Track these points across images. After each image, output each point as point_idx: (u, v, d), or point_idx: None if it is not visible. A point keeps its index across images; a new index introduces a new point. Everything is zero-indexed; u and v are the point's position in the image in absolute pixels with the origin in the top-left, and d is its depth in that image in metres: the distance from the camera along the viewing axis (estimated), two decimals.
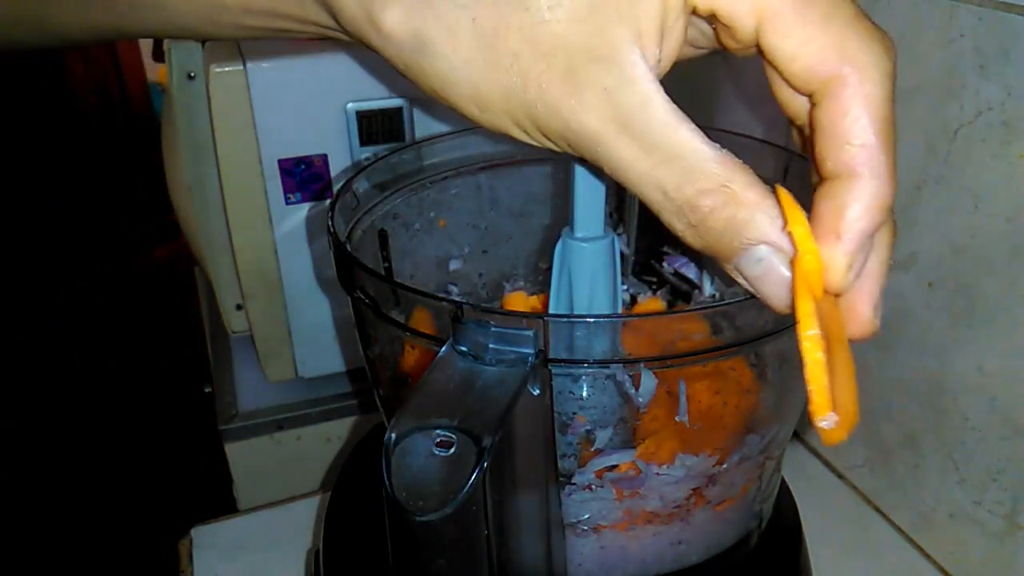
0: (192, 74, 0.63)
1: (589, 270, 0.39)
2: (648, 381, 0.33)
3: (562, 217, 0.43)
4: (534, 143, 0.26)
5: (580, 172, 0.37)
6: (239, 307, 0.71)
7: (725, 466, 0.36)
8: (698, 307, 0.46)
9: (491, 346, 0.28)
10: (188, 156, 0.65)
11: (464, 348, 0.29)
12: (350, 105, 0.58)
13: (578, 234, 0.38)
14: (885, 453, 0.53)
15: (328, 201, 0.50)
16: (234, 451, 0.69)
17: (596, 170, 0.25)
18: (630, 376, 0.34)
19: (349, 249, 0.36)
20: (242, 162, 0.59)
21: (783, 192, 0.23)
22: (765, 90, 0.27)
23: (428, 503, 0.24)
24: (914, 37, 0.45)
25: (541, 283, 0.51)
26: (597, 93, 0.23)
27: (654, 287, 0.51)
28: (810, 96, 0.24)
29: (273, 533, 0.55)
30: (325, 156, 0.60)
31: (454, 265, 0.49)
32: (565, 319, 0.32)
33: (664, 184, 0.24)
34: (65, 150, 2.01)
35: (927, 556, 0.51)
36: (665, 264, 0.49)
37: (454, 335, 0.29)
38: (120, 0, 0.31)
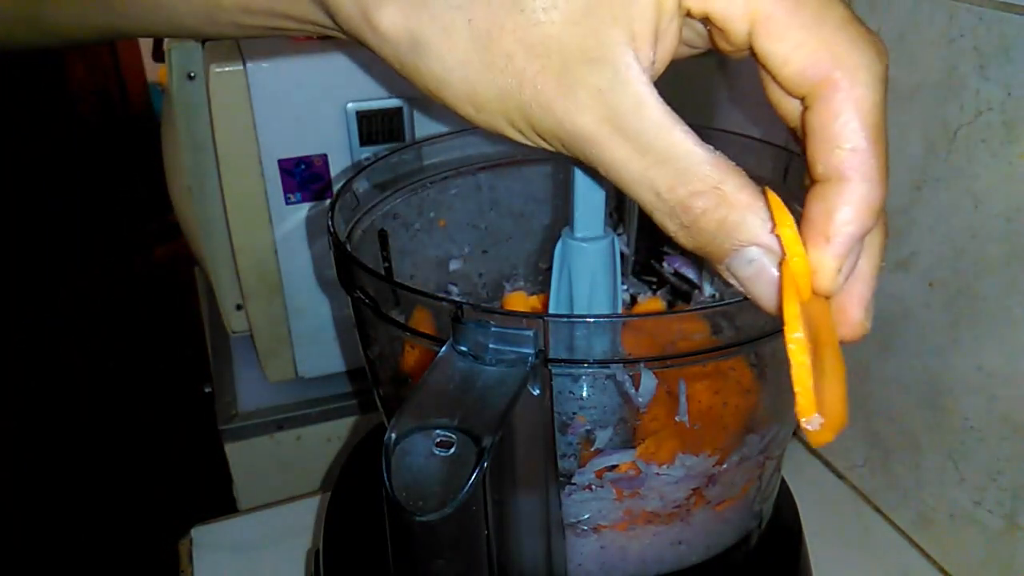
0: (192, 74, 0.63)
1: (589, 270, 0.39)
2: (648, 381, 0.33)
3: (562, 217, 0.44)
4: (529, 143, 0.26)
5: (580, 172, 0.37)
6: (239, 307, 0.71)
7: (725, 466, 0.36)
8: (698, 307, 0.46)
9: (491, 346, 0.28)
10: (188, 156, 0.65)
11: (464, 348, 0.29)
12: (350, 105, 0.58)
13: (578, 234, 0.39)
14: (885, 453, 0.53)
15: (328, 201, 0.50)
16: (234, 451, 0.69)
17: (594, 171, 0.25)
18: (630, 376, 0.34)
19: (349, 249, 0.36)
20: (242, 162, 0.59)
21: (772, 195, 0.24)
22: None
23: (428, 503, 0.24)
24: (914, 37, 0.45)
25: (541, 283, 0.51)
26: (591, 94, 0.23)
27: (654, 287, 0.51)
28: (802, 99, 0.24)
29: (273, 533, 0.55)
30: (325, 156, 0.60)
31: (454, 265, 0.49)
32: (565, 319, 0.32)
33: (657, 185, 0.24)
34: (65, 150, 2.01)
35: (927, 556, 0.51)
36: (665, 264, 0.49)
37: (454, 335, 0.29)
38: None
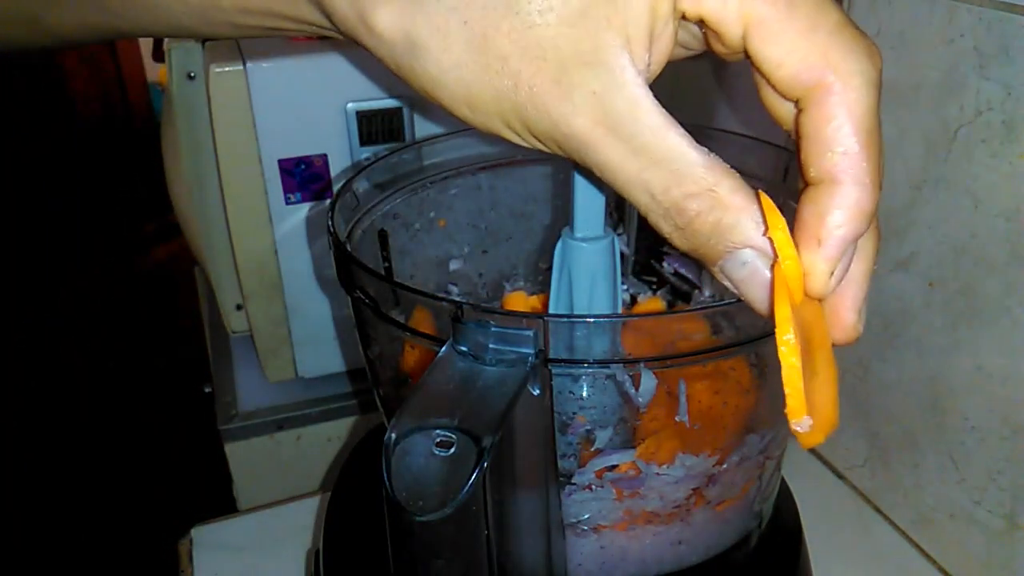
0: (192, 74, 0.63)
1: (589, 270, 0.39)
2: (648, 381, 0.33)
3: (562, 217, 0.44)
4: (525, 144, 0.26)
5: (580, 173, 0.37)
6: (239, 307, 0.71)
7: (725, 466, 0.36)
8: (698, 307, 0.46)
9: (491, 346, 0.28)
10: (188, 156, 0.65)
11: (464, 348, 0.29)
12: (350, 105, 0.58)
13: (578, 234, 0.38)
14: (885, 453, 0.53)
15: (328, 201, 0.50)
16: (234, 451, 0.69)
17: (590, 172, 0.25)
18: (630, 376, 0.34)
19: (349, 249, 0.36)
20: (242, 162, 0.59)
21: (765, 198, 0.24)
22: None
23: (428, 503, 0.24)
24: (914, 37, 0.45)
25: (541, 283, 0.51)
26: (586, 96, 0.23)
27: (654, 287, 0.51)
28: (796, 102, 0.24)
29: (273, 533, 0.55)
30: (325, 156, 0.60)
31: (454, 265, 0.49)
32: (565, 319, 0.32)
33: (652, 187, 0.24)
34: (65, 150, 2.01)
35: (927, 556, 0.51)
36: (665, 264, 0.49)
37: (454, 335, 0.29)
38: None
